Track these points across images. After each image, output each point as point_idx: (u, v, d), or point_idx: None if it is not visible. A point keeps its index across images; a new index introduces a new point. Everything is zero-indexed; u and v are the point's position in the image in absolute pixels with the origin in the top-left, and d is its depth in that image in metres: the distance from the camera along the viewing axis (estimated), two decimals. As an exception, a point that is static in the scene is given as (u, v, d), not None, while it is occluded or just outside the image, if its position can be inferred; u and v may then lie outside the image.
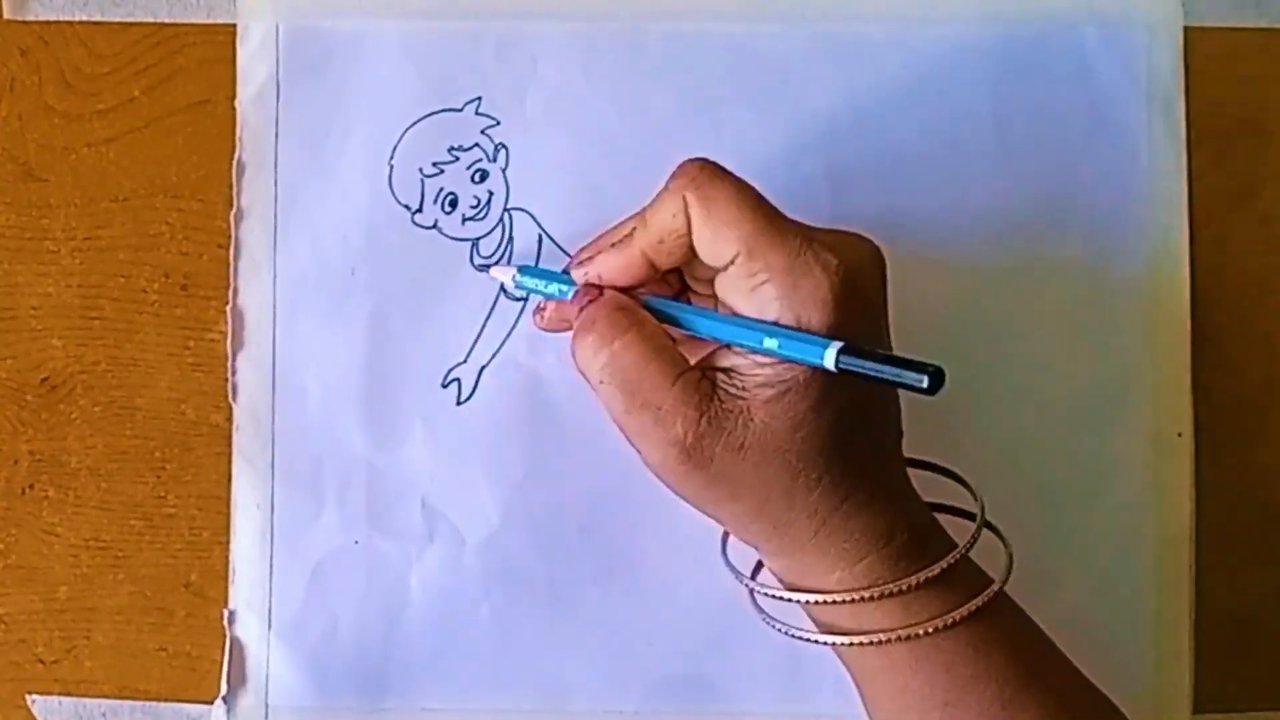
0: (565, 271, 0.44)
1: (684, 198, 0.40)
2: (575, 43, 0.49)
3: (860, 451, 0.40)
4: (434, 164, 0.49)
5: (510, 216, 0.49)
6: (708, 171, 0.40)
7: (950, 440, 0.49)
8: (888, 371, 0.36)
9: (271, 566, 0.48)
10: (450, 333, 0.49)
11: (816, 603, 0.40)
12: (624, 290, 0.42)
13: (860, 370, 0.36)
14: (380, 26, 0.49)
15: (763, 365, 0.39)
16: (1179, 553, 0.49)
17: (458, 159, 0.49)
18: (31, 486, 0.49)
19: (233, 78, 0.49)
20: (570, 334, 0.42)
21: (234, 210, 0.49)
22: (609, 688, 0.48)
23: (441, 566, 0.49)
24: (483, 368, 0.49)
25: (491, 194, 0.49)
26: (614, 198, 0.49)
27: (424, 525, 0.49)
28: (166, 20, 0.49)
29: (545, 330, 0.46)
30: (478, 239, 0.49)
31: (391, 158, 0.49)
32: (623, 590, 0.48)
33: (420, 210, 0.49)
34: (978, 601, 0.40)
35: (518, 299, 0.49)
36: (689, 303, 0.44)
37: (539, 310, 0.46)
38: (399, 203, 0.49)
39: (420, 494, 0.49)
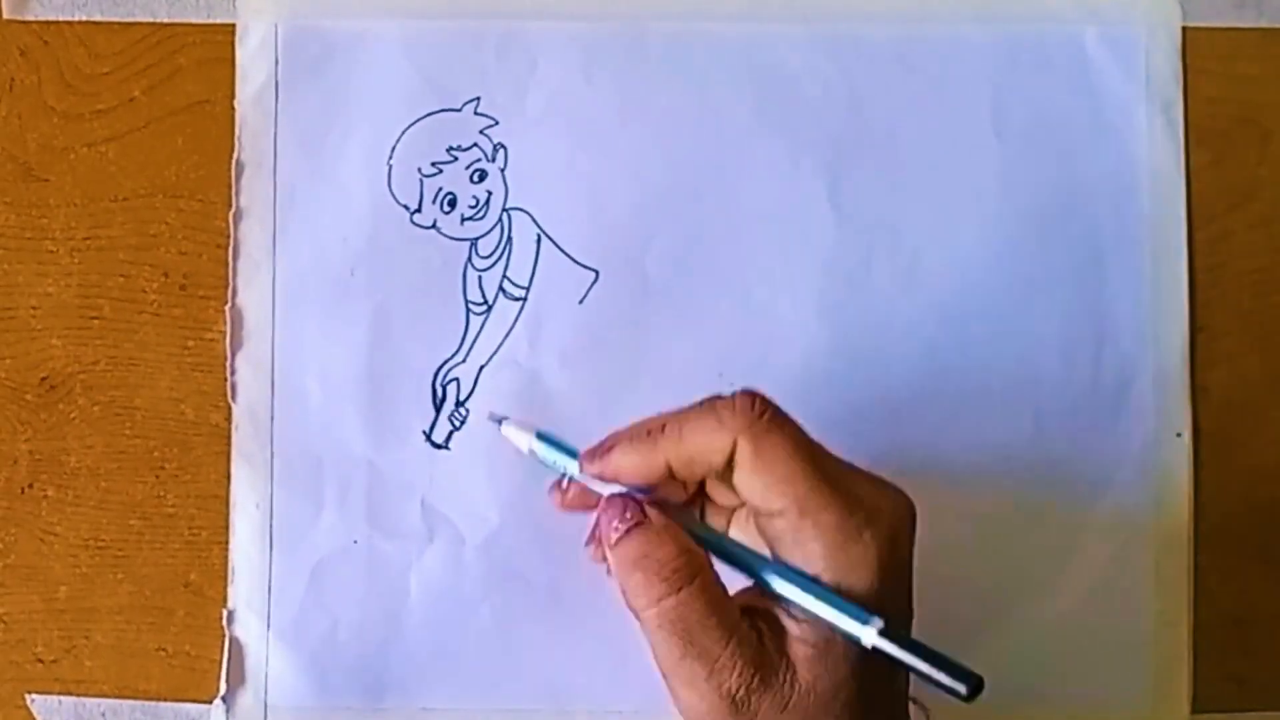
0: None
1: (734, 441, 0.38)
2: (575, 43, 0.49)
3: (885, 706, 0.39)
4: (433, 164, 0.49)
5: (509, 216, 0.49)
6: (766, 418, 0.39)
7: (950, 440, 0.49)
8: (924, 667, 0.36)
9: (271, 566, 0.48)
10: (449, 332, 0.49)
11: None
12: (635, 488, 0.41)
13: (896, 657, 0.37)
14: (379, 26, 0.49)
15: (801, 621, 0.38)
16: (1179, 553, 0.49)
17: (457, 159, 0.49)
18: (31, 486, 0.49)
19: (232, 78, 0.49)
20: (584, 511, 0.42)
21: (233, 210, 0.49)
22: (609, 688, 0.48)
23: (441, 566, 0.49)
24: (482, 367, 0.49)
25: (490, 194, 0.49)
26: (614, 198, 0.49)
27: (424, 525, 0.49)
28: (166, 20, 0.49)
29: (563, 509, 0.44)
30: (476, 239, 0.49)
31: (390, 157, 0.49)
32: (622, 590, 0.48)
33: (419, 210, 0.49)
34: None
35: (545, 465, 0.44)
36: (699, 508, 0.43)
37: (559, 488, 0.44)
38: (398, 202, 0.49)
39: (420, 494, 0.49)
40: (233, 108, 0.49)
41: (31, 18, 0.49)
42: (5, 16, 0.49)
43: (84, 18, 0.49)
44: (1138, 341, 0.49)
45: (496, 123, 0.49)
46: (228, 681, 0.48)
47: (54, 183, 0.49)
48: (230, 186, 0.49)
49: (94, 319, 0.49)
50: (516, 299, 0.49)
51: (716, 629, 0.38)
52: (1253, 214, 0.50)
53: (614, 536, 0.40)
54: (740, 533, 0.42)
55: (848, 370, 0.49)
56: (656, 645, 0.39)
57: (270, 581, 0.48)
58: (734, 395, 0.39)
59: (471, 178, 0.49)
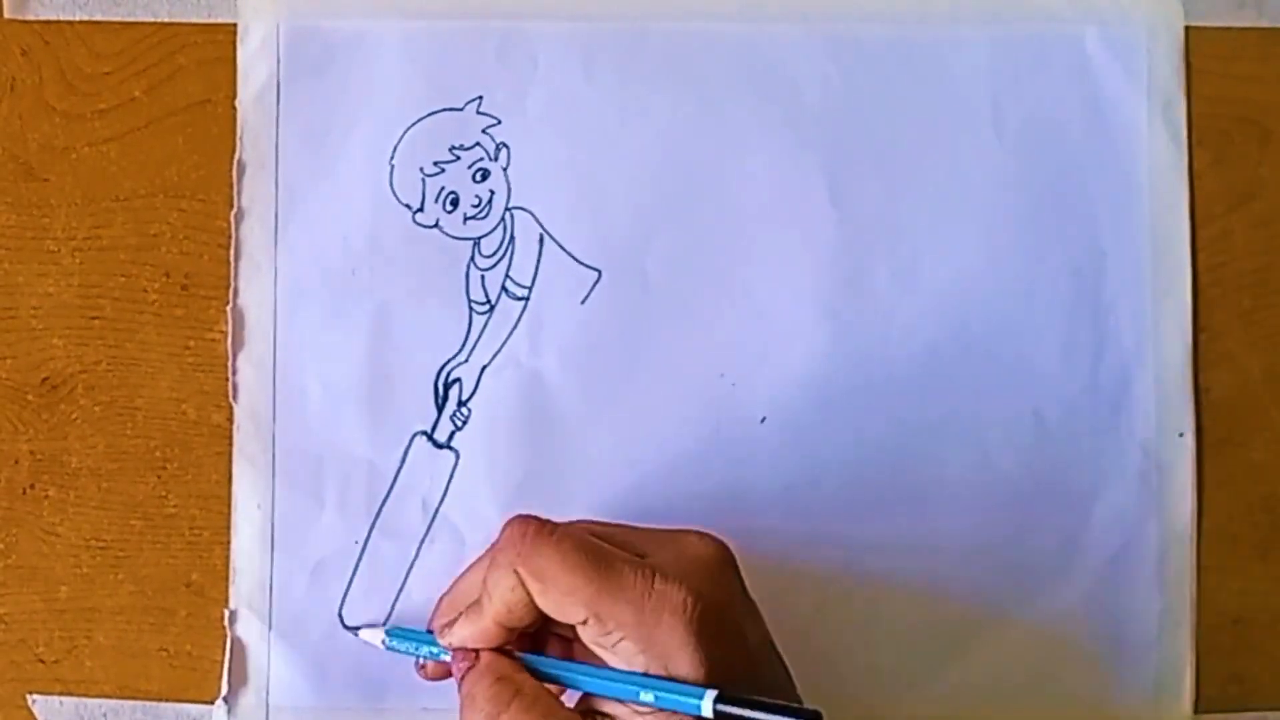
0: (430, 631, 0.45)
1: (515, 572, 0.40)
2: (576, 42, 0.49)
3: None
4: (435, 163, 0.49)
5: (511, 216, 0.49)
6: (529, 538, 0.40)
7: (950, 440, 0.49)
8: (767, 718, 0.37)
9: (272, 566, 0.48)
10: (451, 332, 0.49)
11: None
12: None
13: (739, 715, 0.37)
14: (381, 26, 0.49)
15: (643, 713, 0.39)
16: (1179, 553, 0.49)
17: (459, 158, 0.49)
18: (32, 486, 0.49)
19: (233, 77, 0.49)
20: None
21: (234, 210, 0.49)
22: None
23: (441, 566, 0.48)
24: (484, 367, 0.49)
25: (493, 193, 0.49)
26: (614, 197, 0.49)
27: (424, 525, 0.49)
28: (167, 20, 0.49)
29: (429, 680, 0.46)
30: (479, 238, 0.49)
31: (392, 157, 0.49)
32: (623, 590, 0.48)
33: (421, 210, 0.49)
34: None
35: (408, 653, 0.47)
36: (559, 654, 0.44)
37: (420, 666, 0.46)
38: (400, 202, 0.49)
39: (420, 494, 0.49)
40: (234, 107, 0.49)
41: (32, 17, 0.49)
42: (6, 16, 0.49)
43: (85, 17, 0.49)
44: (1138, 341, 0.50)
45: (499, 122, 0.49)
46: (229, 682, 0.48)
47: (55, 182, 0.49)
48: (231, 186, 0.49)
49: (95, 319, 0.49)
50: (519, 299, 0.49)
51: None
52: (1253, 214, 0.50)
53: (457, 680, 0.42)
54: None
55: (848, 370, 0.49)
56: None
57: (271, 581, 0.48)
58: (502, 530, 0.41)
59: (474, 177, 0.49)
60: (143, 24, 0.49)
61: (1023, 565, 0.49)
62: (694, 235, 0.49)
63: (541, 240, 0.49)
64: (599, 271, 0.49)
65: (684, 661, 0.38)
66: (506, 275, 0.49)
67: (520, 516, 0.41)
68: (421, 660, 0.46)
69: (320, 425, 0.49)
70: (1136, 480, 0.49)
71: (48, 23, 0.49)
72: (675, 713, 0.38)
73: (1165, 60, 0.50)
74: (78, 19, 0.49)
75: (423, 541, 0.49)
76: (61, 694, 0.49)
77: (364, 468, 0.49)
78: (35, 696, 0.49)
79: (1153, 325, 0.50)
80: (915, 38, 0.50)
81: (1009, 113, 0.50)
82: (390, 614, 0.48)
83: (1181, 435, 0.49)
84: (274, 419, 0.49)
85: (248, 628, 0.48)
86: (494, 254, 0.49)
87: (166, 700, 0.49)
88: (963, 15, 0.50)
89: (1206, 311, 0.50)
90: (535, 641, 0.44)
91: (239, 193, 0.49)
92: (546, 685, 0.41)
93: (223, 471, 0.49)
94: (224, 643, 0.48)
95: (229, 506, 0.49)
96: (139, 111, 0.49)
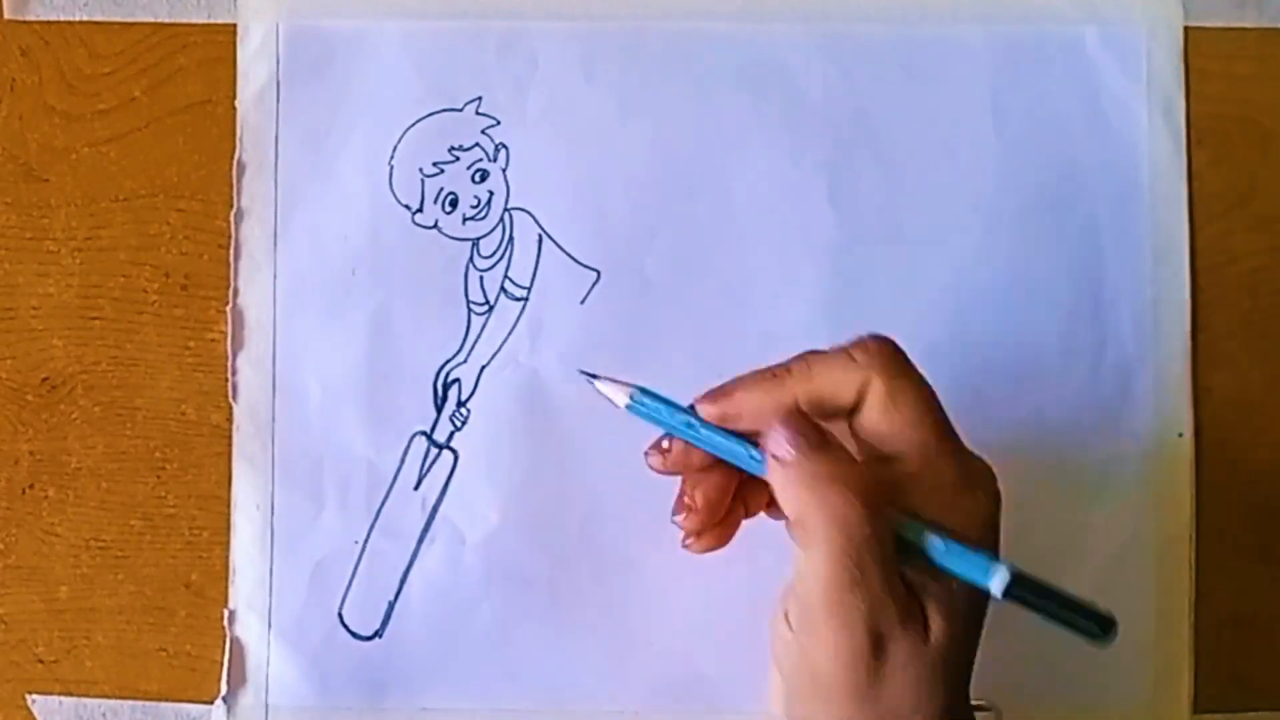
0: (690, 409, 0.40)
1: (868, 379, 0.38)
2: (575, 43, 0.49)
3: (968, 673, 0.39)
4: (434, 164, 0.49)
5: (511, 216, 0.49)
6: (900, 361, 0.38)
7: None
8: (1061, 613, 0.36)
9: (271, 566, 0.48)
10: (450, 332, 0.49)
11: None
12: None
13: (1030, 603, 0.36)
14: (380, 26, 0.49)
15: (930, 573, 0.37)
16: (1179, 553, 0.49)
17: (458, 159, 0.49)
18: (32, 486, 0.49)
19: (233, 78, 0.49)
20: (668, 476, 0.40)
21: (234, 210, 0.49)
22: (609, 688, 0.48)
23: (441, 566, 0.49)
24: (483, 367, 0.49)
25: (492, 194, 0.49)
26: (614, 198, 0.49)
27: (424, 525, 0.49)
28: (166, 20, 0.49)
29: (660, 472, 0.41)
30: (478, 239, 0.49)
31: (392, 157, 0.49)
32: (623, 590, 0.48)
33: (421, 210, 0.49)
34: None
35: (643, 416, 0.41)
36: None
37: (659, 449, 0.40)
38: (399, 202, 0.49)
39: (420, 494, 0.49)
40: (234, 108, 0.49)
41: (32, 18, 0.49)
42: (6, 16, 0.49)
43: (85, 18, 0.49)
44: (1138, 341, 0.49)
45: (498, 122, 0.49)
46: (228, 682, 0.48)
47: (55, 183, 0.49)
48: (231, 186, 0.49)
49: (95, 319, 0.49)
50: (518, 299, 0.49)
51: (889, 569, 0.36)
52: (1253, 214, 0.50)
53: (800, 452, 0.37)
54: None
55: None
56: (823, 569, 0.36)
57: (271, 581, 0.48)
58: (865, 338, 0.39)
59: (473, 177, 0.49)
60: (143, 24, 0.49)
61: (1022, 565, 0.49)
62: (693, 235, 0.49)
63: (540, 240, 0.49)
64: (598, 272, 0.49)
65: (975, 536, 0.37)
66: (505, 276, 0.49)
67: (891, 339, 0.39)
68: (666, 443, 0.40)
69: (320, 425, 0.49)
70: (1136, 480, 0.49)
71: (48, 23, 0.49)
72: (962, 577, 0.37)
73: (1165, 60, 0.50)
74: (78, 19, 0.49)
75: (422, 541, 0.49)
76: (61, 694, 0.49)
77: (363, 468, 0.49)
78: (35, 696, 0.49)
79: (1153, 325, 0.49)
80: (915, 37, 0.50)
81: (1009, 113, 0.50)
82: (390, 614, 0.48)
83: (1181, 435, 0.49)
84: (273, 419, 0.49)
85: (247, 628, 0.48)
86: (493, 254, 0.49)
87: (166, 700, 0.49)
88: (963, 15, 0.50)
89: (1206, 311, 0.50)
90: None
91: (239, 193, 0.49)
92: None
93: (222, 471, 0.49)
94: (223, 643, 0.48)
95: (228, 506, 0.49)
96: (139, 112, 0.49)
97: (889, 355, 0.38)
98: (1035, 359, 0.49)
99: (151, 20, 0.49)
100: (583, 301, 0.49)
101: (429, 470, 0.49)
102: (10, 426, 0.49)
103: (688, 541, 0.41)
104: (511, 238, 0.49)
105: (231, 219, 0.49)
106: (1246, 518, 0.50)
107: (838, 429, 0.39)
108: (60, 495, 0.49)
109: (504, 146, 0.49)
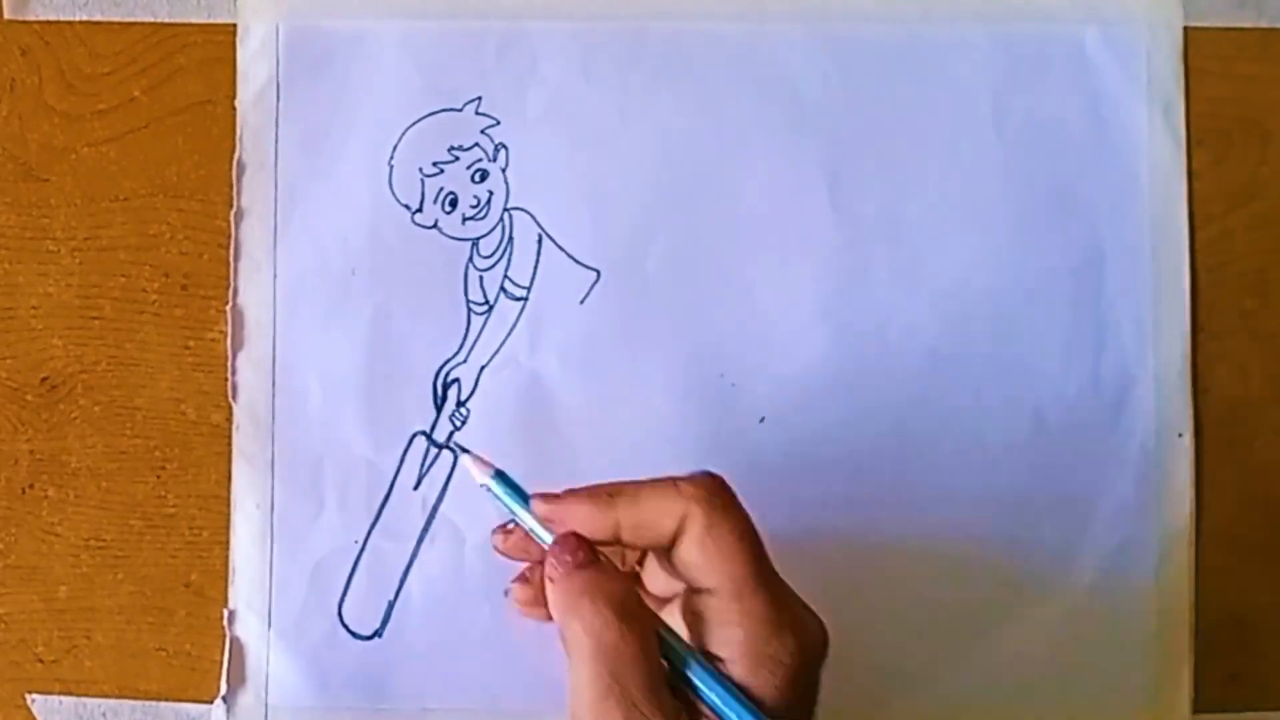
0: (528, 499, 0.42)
1: (689, 511, 0.38)
2: (575, 43, 0.49)
3: None
4: (434, 164, 0.49)
5: (510, 216, 0.49)
6: (723, 498, 0.39)
7: (950, 440, 0.49)
8: None
9: (271, 566, 0.48)
10: (450, 332, 0.49)
11: None
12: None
13: None
14: (380, 26, 0.49)
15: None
16: (1178, 553, 0.49)
17: (458, 159, 0.49)
18: (31, 486, 0.49)
19: (233, 78, 0.49)
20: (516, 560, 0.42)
21: (234, 210, 0.49)
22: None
23: (441, 566, 0.49)
24: (483, 367, 0.49)
25: (491, 194, 0.49)
26: (614, 198, 0.49)
27: (424, 525, 0.49)
28: (166, 20, 0.49)
29: (500, 553, 0.43)
30: (478, 239, 0.49)
31: (391, 157, 0.49)
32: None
33: (420, 210, 0.49)
34: None
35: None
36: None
37: (504, 530, 0.43)
38: (399, 202, 0.49)
39: (420, 494, 0.49)
40: (233, 108, 0.49)
41: (32, 18, 0.49)
42: (6, 16, 0.49)
43: (84, 18, 0.49)
44: (1138, 341, 0.49)
45: (498, 122, 0.49)
46: (228, 681, 0.48)
47: (55, 183, 0.49)
48: (231, 186, 0.49)
49: (95, 319, 0.49)
50: (518, 299, 0.49)
51: (646, 678, 0.37)
52: (1253, 214, 0.50)
53: (564, 570, 0.39)
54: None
55: (848, 370, 0.49)
56: (582, 679, 0.37)
57: (271, 581, 0.48)
58: (697, 473, 0.40)
59: (473, 177, 0.49)
60: (143, 24, 0.49)
61: (1022, 565, 0.49)
62: (693, 235, 0.49)
63: (540, 240, 0.49)
64: (597, 272, 0.49)
65: (775, 680, 0.37)
66: (505, 275, 0.49)
67: (719, 476, 0.39)
68: (510, 525, 0.43)
69: (319, 425, 0.49)
70: (1136, 480, 0.49)
71: (48, 23, 0.49)
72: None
73: (1165, 60, 0.50)
74: (78, 19, 0.49)
75: (422, 541, 0.49)
76: (61, 694, 0.49)
77: (363, 467, 0.49)
78: (34, 696, 0.49)
79: (1153, 325, 0.49)
80: (915, 37, 0.50)
81: (1009, 112, 0.50)
82: (389, 613, 0.48)
83: (1181, 435, 0.49)
84: (273, 419, 0.49)
85: (247, 627, 0.48)
86: (493, 254, 0.49)
87: (165, 700, 0.49)
88: (963, 15, 0.50)
89: (1206, 311, 0.50)
90: None
91: (239, 193, 0.49)
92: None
93: (222, 471, 0.49)
94: (223, 642, 0.48)
95: (228, 506, 0.49)
96: (139, 111, 0.49)
97: (712, 490, 0.39)
98: (1035, 359, 0.49)
99: (151, 20, 0.49)
100: (582, 301, 0.49)
101: (429, 470, 0.49)
102: (10, 426, 0.49)
103: (517, 607, 0.43)
104: (511, 238, 0.49)
105: (231, 219, 0.49)
106: (1246, 517, 0.50)
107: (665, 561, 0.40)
108: (60, 495, 0.49)
109: (504, 146, 0.49)
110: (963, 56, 0.50)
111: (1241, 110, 0.50)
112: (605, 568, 0.39)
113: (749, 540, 0.38)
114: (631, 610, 0.38)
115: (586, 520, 0.40)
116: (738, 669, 0.37)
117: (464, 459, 0.44)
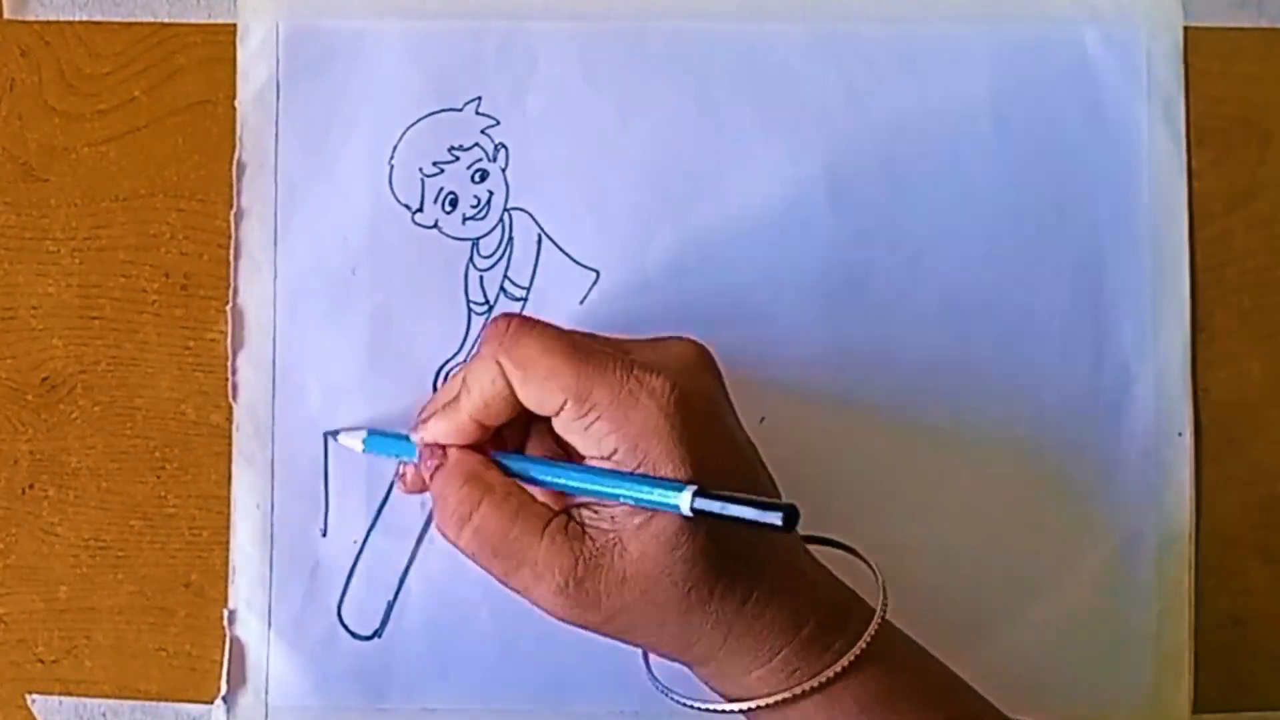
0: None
1: (498, 362, 0.40)
2: (575, 43, 0.49)
3: (749, 550, 0.40)
4: (434, 164, 0.49)
5: (510, 216, 0.49)
6: (514, 329, 0.40)
7: (950, 440, 0.49)
8: (745, 513, 0.36)
9: (271, 566, 0.48)
10: (450, 332, 0.49)
11: (745, 711, 0.41)
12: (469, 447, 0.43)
13: (715, 514, 0.37)
14: (380, 26, 0.49)
15: (619, 514, 0.39)
16: (1179, 553, 0.49)
17: (458, 159, 0.49)
18: (31, 486, 0.49)
19: (233, 78, 0.49)
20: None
21: (234, 210, 0.49)
22: (609, 688, 0.48)
23: (441, 566, 0.48)
24: (483, 367, 0.49)
25: (492, 194, 0.49)
26: (614, 198, 0.49)
27: (424, 525, 0.49)
28: (166, 20, 0.49)
29: (409, 493, 0.46)
30: (478, 239, 0.49)
31: (392, 157, 0.49)
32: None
33: (420, 210, 0.49)
34: (854, 651, 0.40)
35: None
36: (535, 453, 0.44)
37: (400, 476, 0.46)
38: (399, 202, 0.49)
39: (421, 494, 0.49)
40: (233, 108, 0.49)
41: (32, 18, 0.49)
42: (6, 16, 0.49)
43: (84, 18, 0.49)
44: (1138, 341, 0.49)
45: (498, 122, 0.49)
46: (228, 682, 0.48)
47: (54, 183, 0.49)
48: (231, 186, 0.49)
49: (95, 319, 0.49)
50: (518, 299, 0.49)
51: (523, 535, 0.40)
52: (1253, 214, 0.50)
53: (428, 471, 0.43)
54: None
55: (848, 370, 0.49)
56: (486, 568, 0.41)
57: (271, 581, 0.48)
58: (485, 327, 0.42)
59: (473, 178, 0.49)
60: (143, 24, 0.49)
61: (1022, 565, 0.49)
62: (693, 235, 0.49)
63: (540, 240, 0.49)
64: (597, 272, 0.49)
65: (657, 444, 0.38)
66: (505, 276, 0.49)
67: (504, 314, 0.41)
68: (401, 469, 0.46)
69: (320, 425, 0.49)
70: (1136, 480, 0.49)
71: (48, 23, 0.49)
72: (655, 511, 0.38)
73: (1165, 60, 0.50)
74: (78, 19, 0.49)
75: (422, 541, 0.49)
76: (61, 694, 0.49)
77: (363, 467, 0.49)
78: (34, 696, 0.49)
79: (1153, 325, 0.49)
80: (915, 38, 0.50)
81: (1009, 113, 0.50)
82: (389, 613, 0.48)
83: (1181, 435, 0.49)
84: (273, 419, 0.49)
85: (247, 627, 0.48)
86: (493, 254, 0.49)
87: (165, 700, 0.49)
88: (963, 15, 0.50)
89: (1206, 311, 0.50)
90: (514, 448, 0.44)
91: (239, 193, 0.49)
92: (520, 484, 0.42)
93: (222, 471, 0.49)
94: (223, 643, 0.48)
95: (228, 506, 0.49)
96: (139, 111, 0.49)
97: (502, 330, 0.41)
98: (1035, 359, 0.49)
99: (151, 20, 0.49)
100: (582, 301, 0.49)
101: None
102: (10, 426, 0.49)
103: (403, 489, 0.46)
104: (511, 238, 0.49)
105: (231, 219, 0.49)
106: (1246, 517, 0.50)
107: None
108: (60, 495, 0.49)
109: (504, 146, 0.49)
110: (963, 56, 0.50)
111: (1241, 110, 0.50)
112: (446, 467, 0.42)
113: (556, 349, 0.40)
114: (470, 494, 0.41)
115: (450, 433, 0.42)
116: (622, 453, 0.39)
117: (341, 439, 0.48)
